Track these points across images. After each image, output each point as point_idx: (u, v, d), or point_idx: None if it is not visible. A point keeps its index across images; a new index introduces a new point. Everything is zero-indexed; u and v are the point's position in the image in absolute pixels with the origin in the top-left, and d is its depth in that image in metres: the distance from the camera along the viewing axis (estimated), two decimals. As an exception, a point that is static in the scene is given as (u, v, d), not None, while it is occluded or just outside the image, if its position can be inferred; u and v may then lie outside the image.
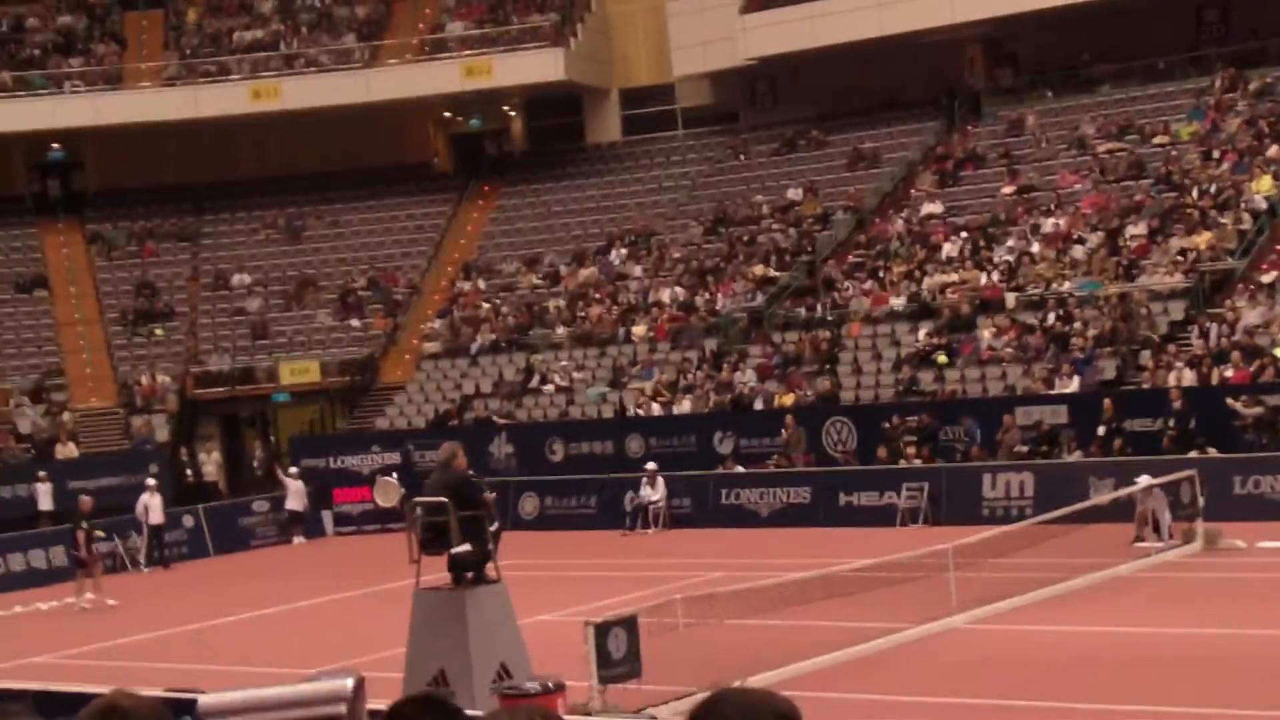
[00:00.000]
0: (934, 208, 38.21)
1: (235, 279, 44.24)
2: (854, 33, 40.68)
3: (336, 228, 46.14)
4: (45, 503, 33.92)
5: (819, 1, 41.29)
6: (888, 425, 30.38)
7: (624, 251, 41.30)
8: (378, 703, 5.01)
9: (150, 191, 47.14)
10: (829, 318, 35.20)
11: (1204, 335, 30.13)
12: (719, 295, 37.51)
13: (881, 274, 36.08)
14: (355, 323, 42.24)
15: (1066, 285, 32.86)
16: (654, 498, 30.62)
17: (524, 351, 38.43)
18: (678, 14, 44.34)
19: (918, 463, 29.42)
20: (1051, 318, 32.10)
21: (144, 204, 46.97)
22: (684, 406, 34.30)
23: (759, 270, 37.86)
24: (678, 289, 38.53)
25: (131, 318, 43.06)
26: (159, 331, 42.81)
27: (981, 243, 35.65)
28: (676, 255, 40.09)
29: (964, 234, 36.21)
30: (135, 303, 43.43)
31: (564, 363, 37.45)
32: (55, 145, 46.35)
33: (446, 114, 48.31)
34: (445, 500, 15.90)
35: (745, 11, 42.64)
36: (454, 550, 15.91)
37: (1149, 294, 31.65)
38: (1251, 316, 30.07)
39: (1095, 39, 40.33)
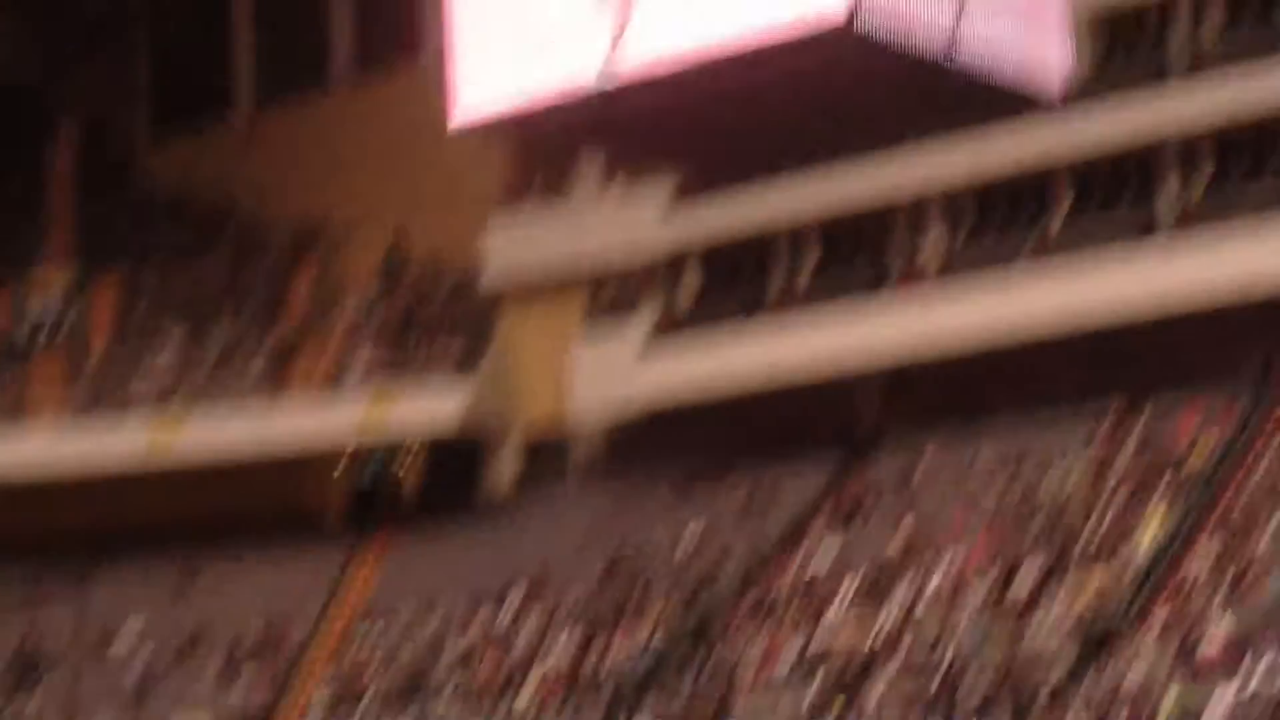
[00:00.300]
0: (825, 555, 38.03)
1: (121, 635, 43.46)
2: (751, 379, 41.07)
3: (228, 579, 45.42)
4: None
5: (716, 349, 41.83)
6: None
7: (516, 604, 40.83)
8: None
9: (39, 539, 46.34)
10: (717, 677, 34.69)
11: (1091, 690, 29.80)
12: (610, 649, 37.04)
13: (772, 629, 35.71)
14: (242, 683, 41.40)
15: (956, 637, 32.58)
16: None
17: (411, 713, 37.70)
18: (579, 354, 44.67)
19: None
20: (940, 674, 31.71)
21: (32, 552, 46.11)
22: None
23: (649, 624, 37.46)
24: (568, 644, 38.03)
25: (11, 679, 42.11)
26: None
27: (873, 593, 35.41)
28: (569, 607, 39.69)
29: (855, 583, 35.98)
30: (15, 661, 42.53)
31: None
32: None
33: (344, 461, 48.17)
34: None
35: (644, 357, 43.06)
36: None
37: (1037, 646, 31.38)
38: (1138, 669, 29.83)
39: (992, 377, 40.67)
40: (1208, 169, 38.08)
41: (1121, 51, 39.97)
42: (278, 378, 46.91)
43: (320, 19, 50.18)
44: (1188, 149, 38.22)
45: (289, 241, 51.33)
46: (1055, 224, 39.27)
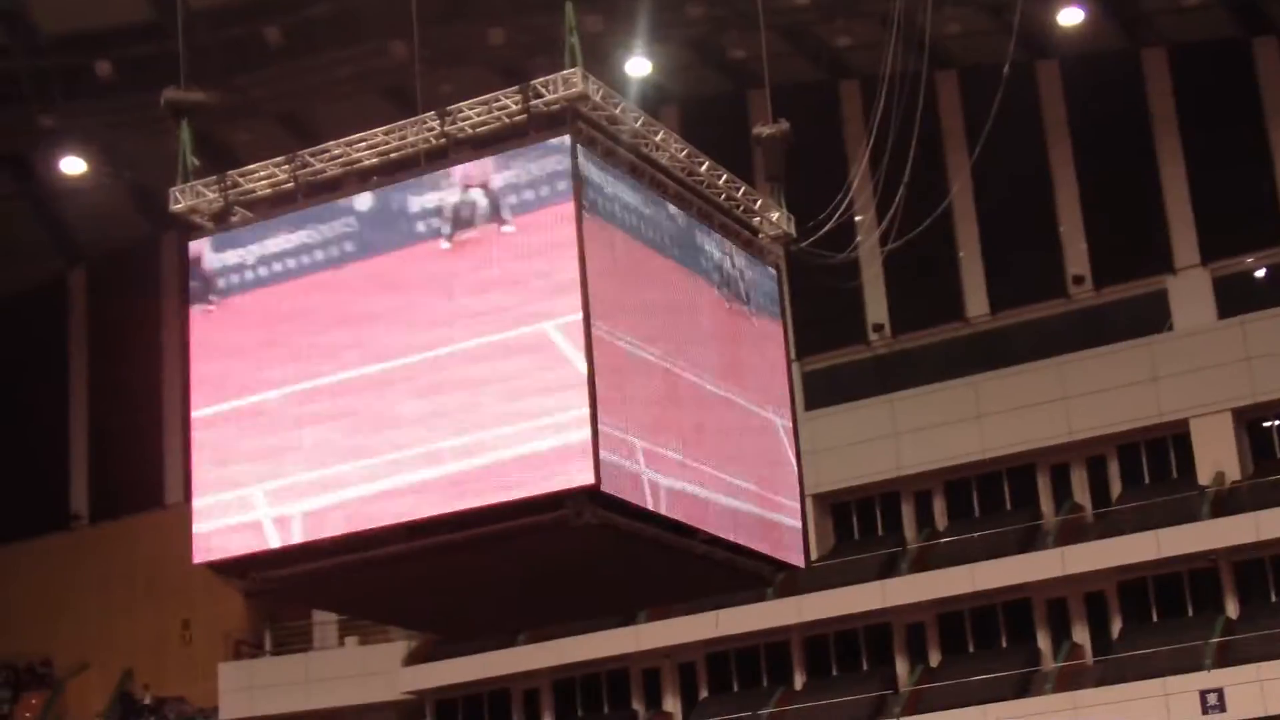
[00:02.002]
0: None
1: None
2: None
3: None
4: None
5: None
6: None
7: None
8: None
9: None
10: None
11: None
12: None
13: None
14: None
15: None
16: None
17: None
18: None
19: None
20: None
21: None
22: None
23: None
24: None
25: None
26: None
27: None
28: None
29: None
30: None
31: None
32: None
33: None
34: None
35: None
36: None
37: None
38: None
39: None
40: (936, 649, 39.22)
41: (855, 534, 41.55)
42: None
43: (60, 462, 49.98)
44: (916, 627, 39.43)
45: (12, 678, 49.82)
46: (790, 694, 39.76)
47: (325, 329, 17.05)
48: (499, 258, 16.33)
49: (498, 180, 16.42)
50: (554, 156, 16.23)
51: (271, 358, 17.24)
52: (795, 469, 19.14)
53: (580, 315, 15.85)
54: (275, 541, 16.91)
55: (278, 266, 17.37)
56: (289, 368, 17.14)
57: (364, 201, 17.06)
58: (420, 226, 16.74)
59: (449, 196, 16.63)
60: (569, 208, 16.08)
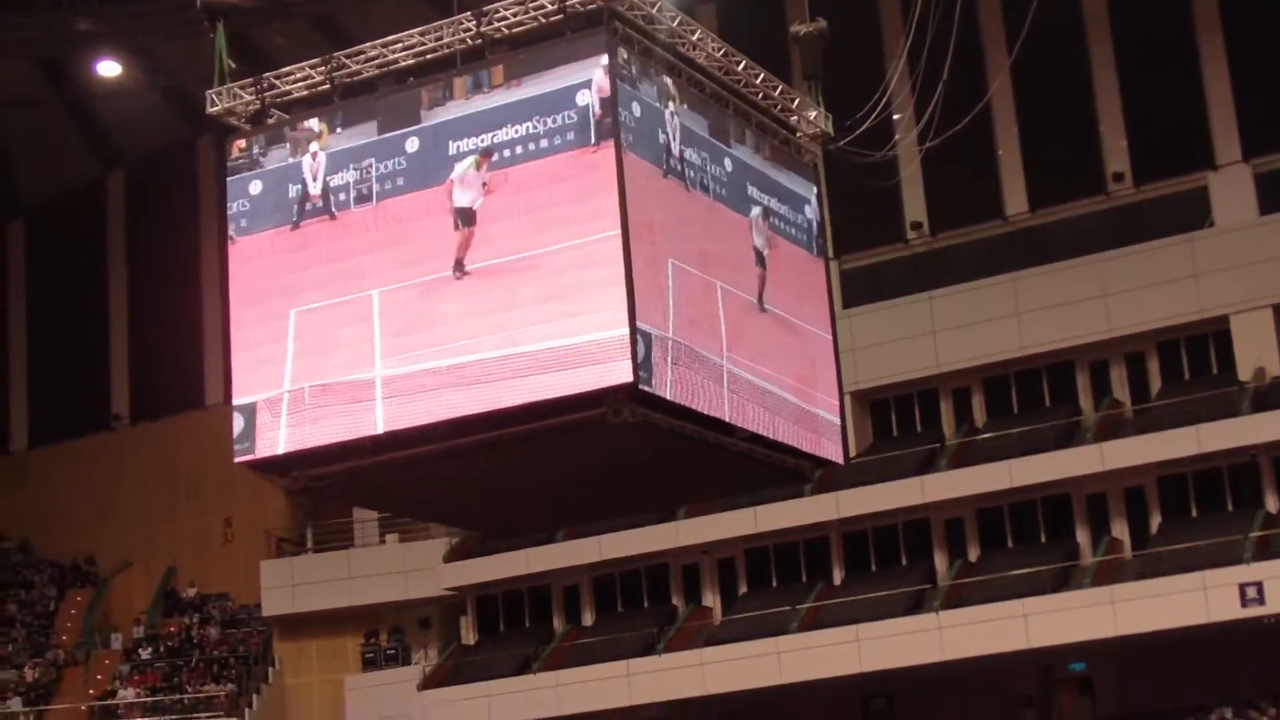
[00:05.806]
0: None
1: None
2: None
3: None
4: None
5: (491, 698, 41.43)
6: None
7: None
8: None
9: None
10: None
11: None
12: None
13: None
14: None
15: None
16: None
17: None
18: (356, 689, 43.85)
19: None
20: None
21: None
22: None
23: None
24: None
25: None
26: None
27: None
28: None
29: None
30: None
31: None
32: None
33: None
34: None
35: (420, 704, 42.42)
36: None
37: None
38: None
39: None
40: (975, 544, 39.32)
41: (894, 430, 41.59)
42: (43, 701, 45.51)
43: (100, 363, 50.28)
44: (955, 522, 39.53)
45: (57, 575, 50.38)
46: (829, 589, 39.93)
47: (371, 238, 17.15)
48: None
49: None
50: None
51: (311, 263, 17.32)
52: (834, 367, 19.16)
53: (619, 219, 15.87)
54: (316, 440, 17.03)
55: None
56: (330, 273, 17.21)
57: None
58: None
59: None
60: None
